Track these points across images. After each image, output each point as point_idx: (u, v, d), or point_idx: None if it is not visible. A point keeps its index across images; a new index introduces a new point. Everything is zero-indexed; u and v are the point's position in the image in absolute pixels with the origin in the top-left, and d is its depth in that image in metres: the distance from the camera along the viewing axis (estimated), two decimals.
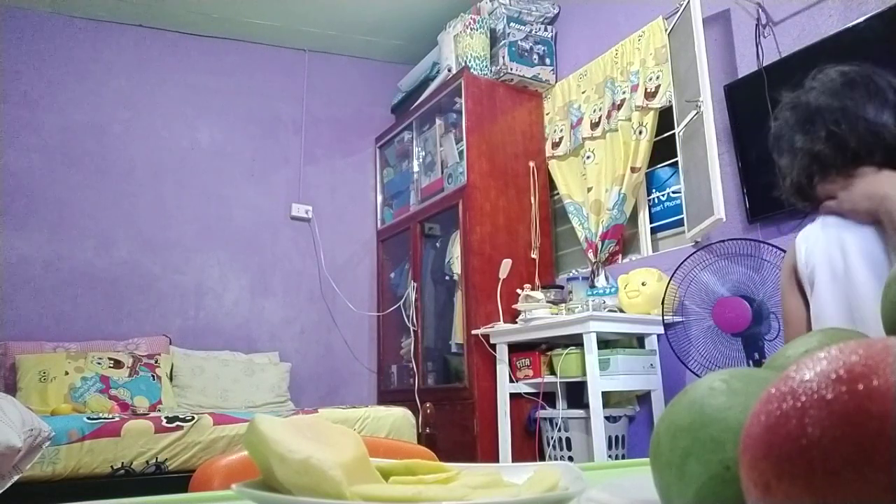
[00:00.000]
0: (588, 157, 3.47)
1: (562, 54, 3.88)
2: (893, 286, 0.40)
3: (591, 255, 3.35)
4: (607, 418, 2.82)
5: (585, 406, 2.80)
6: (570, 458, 2.92)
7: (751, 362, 2.33)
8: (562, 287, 3.39)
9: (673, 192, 3.20)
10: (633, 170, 3.18)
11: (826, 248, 1.21)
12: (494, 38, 3.82)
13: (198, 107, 4.01)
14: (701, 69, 2.57)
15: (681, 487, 0.33)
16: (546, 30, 3.87)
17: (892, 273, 0.41)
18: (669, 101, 3.01)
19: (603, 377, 2.71)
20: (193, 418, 2.38)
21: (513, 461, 3.03)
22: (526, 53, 3.75)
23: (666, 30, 3.09)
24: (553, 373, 3.01)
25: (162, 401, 3.12)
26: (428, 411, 2.67)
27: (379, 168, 4.55)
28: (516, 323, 3.11)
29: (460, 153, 3.64)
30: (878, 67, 1.23)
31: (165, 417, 2.35)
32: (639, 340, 3.04)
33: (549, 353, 3.06)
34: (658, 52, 3.13)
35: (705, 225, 2.57)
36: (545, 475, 0.41)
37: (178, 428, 2.32)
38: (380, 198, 4.50)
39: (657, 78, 3.11)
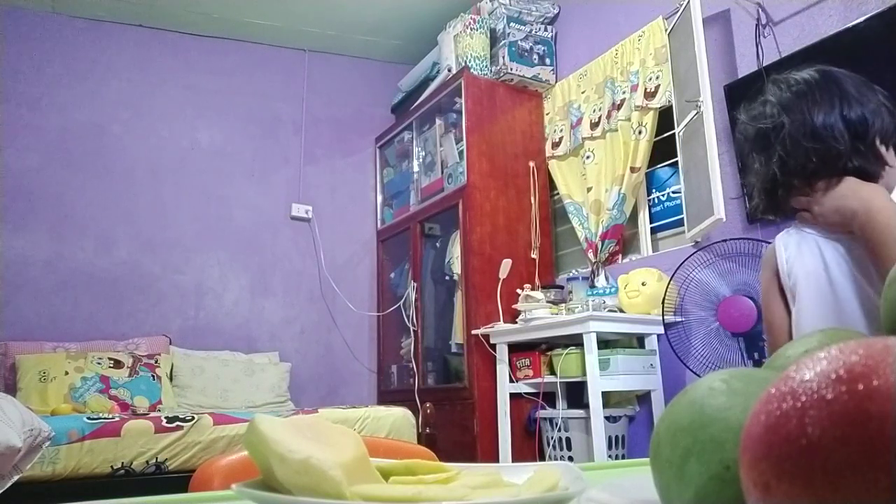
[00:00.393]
0: (588, 157, 3.47)
1: (562, 54, 3.88)
2: (894, 286, 0.40)
3: (591, 255, 3.35)
4: (607, 418, 2.82)
5: (585, 406, 2.80)
6: (570, 458, 2.92)
7: (751, 362, 2.33)
8: (562, 287, 3.39)
9: (673, 192, 3.20)
10: (632, 170, 3.18)
11: (807, 260, 1.20)
12: (494, 38, 3.82)
13: (198, 107, 4.01)
14: (701, 69, 2.57)
15: (681, 487, 0.33)
16: (546, 30, 3.87)
17: (892, 273, 0.41)
18: (669, 101, 3.01)
19: (603, 377, 2.71)
20: (193, 418, 2.38)
21: (513, 461, 3.03)
22: (526, 53, 3.75)
23: (666, 30, 3.09)
24: (553, 373, 3.01)
25: (162, 401, 3.12)
26: (428, 411, 2.67)
27: (379, 168, 4.55)
28: (516, 323, 3.11)
29: (460, 153, 3.64)
30: (868, 67, 1.21)
31: (165, 417, 2.35)
32: (639, 340, 3.04)
33: (549, 353, 3.06)
34: (658, 52, 3.12)
35: (705, 225, 2.57)
36: (545, 475, 0.41)
37: (178, 428, 2.32)
38: (380, 198, 4.50)
39: (657, 78, 3.11)
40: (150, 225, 3.74)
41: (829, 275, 1.16)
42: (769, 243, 2.37)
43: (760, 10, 2.76)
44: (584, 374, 2.74)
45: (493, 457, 3.08)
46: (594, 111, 3.48)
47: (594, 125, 3.46)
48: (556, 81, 3.83)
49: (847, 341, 0.24)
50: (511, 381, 3.16)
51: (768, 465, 0.23)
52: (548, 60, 3.82)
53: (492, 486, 0.41)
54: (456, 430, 3.23)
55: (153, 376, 3.17)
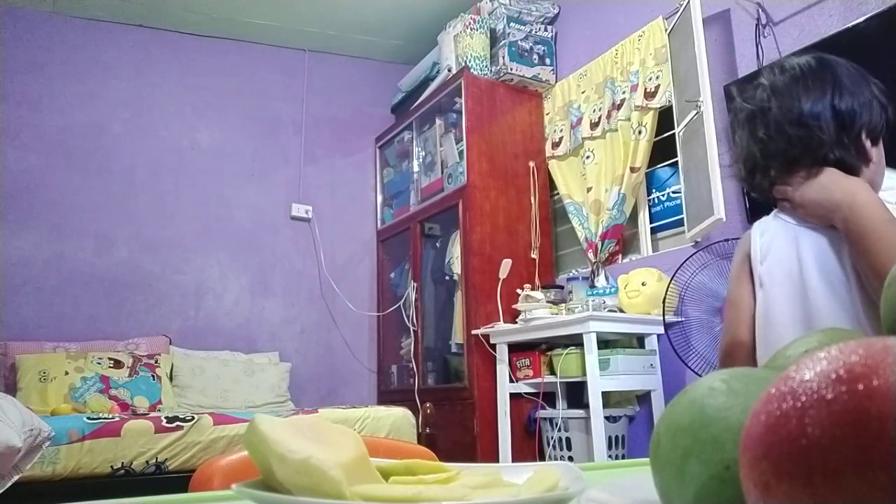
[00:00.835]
0: (588, 157, 3.47)
1: (562, 54, 3.88)
2: (894, 286, 0.40)
3: (591, 255, 3.35)
4: (607, 418, 2.82)
5: (585, 406, 2.80)
6: (570, 458, 2.92)
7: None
8: (562, 287, 3.39)
9: (673, 192, 3.20)
10: (632, 170, 3.18)
11: (782, 249, 1.18)
12: (494, 38, 3.82)
13: (198, 107, 4.01)
14: (701, 69, 2.57)
15: (681, 487, 0.33)
16: (546, 30, 3.87)
17: (893, 273, 0.41)
18: (669, 101, 3.01)
19: (603, 377, 2.71)
20: (193, 418, 2.38)
21: (513, 461, 3.03)
22: (526, 53, 3.75)
23: (666, 30, 3.09)
24: (553, 373, 3.01)
25: (162, 401, 3.12)
26: (428, 411, 2.67)
27: (379, 168, 4.55)
28: (516, 323, 3.11)
29: (460, 153, 3.64)
30: (868, 65, 1.19)
31: (165, 417, 2.35)
32: (639, 340, 3.04)
33: (549, 353, 3.06)
34: (658, 52, 3.12)
35: (705, 225, 2.57)
36: (545, 475, 0.41)
37: (178, 428, 2.32)
38: (380, 198, 4.50)
39: (657, 78, 3.11)
40: (150, 225, 3.74)
41: (802, 266, 1.14)
42: None
43: (760, 10, 2.76)
44: (584, 374, 2.74)
45: (493, 457, 3.08)
46: (594, 111, 3.48)
47: (594, 125, 3.46)
48: (556, 81, 3.83)
49: (847, 341, 0.24)
50: (511, 381, 3.16)
51: (768, 465, 0.23)
52: (548, 60, 3.82)
53: (492, 486, 0.41)
54: (456, 430, 3.23)
55: (153, 376, 3.17)
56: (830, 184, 1.09)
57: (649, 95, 3.13)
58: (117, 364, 3.11)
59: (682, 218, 2.94)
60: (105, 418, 2.30)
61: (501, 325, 3.17)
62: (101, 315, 3.50)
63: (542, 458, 3.13)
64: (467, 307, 3.37)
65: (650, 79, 3.14)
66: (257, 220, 4.07)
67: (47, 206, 3.49)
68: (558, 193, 3.69)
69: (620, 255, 3.42)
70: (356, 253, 4.37)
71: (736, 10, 2.87)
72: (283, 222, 4.16)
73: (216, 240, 3.91)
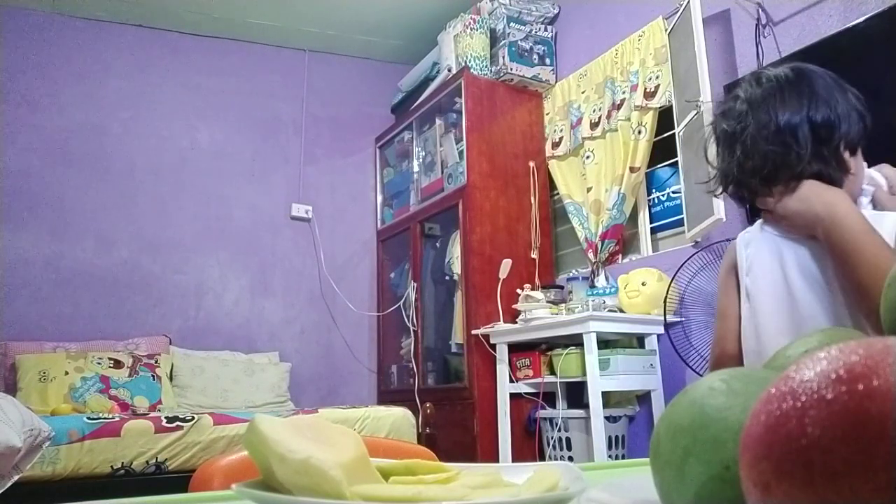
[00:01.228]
0: (588, 157, 3.47)
1: (562, 54, 3.88)
2: (894, 286, 0.40)
3: (591, 255, 3.35)
4: (607, 418, 2.82)
5: (585, 406, 2.80)
6: (570, 458, 2.92)
7: None
8: (562, 287, 3.39)
9: (673, 192, 3.20)
10: (632, 170, 3.18)
11: (766, 261, 1.18)
12: (494, 38, 3.82)
13: (198, 107, 4.01)
14: (701, 69, 2.57)
15: (681, 487, 0.33)
16: (546, 30, 3.87)
17: (893, 273, 0.41)
18: (669, 101, 3.01)
19: (603, 377, 2.71)
20: (193, 418, 2.38)
21: (513, 461, 3.03)
22: (526, 53, 3.75)
23: (666, 30, 3.09)
24: (553, 373, 3.01)
25: (162, 401, 3.12)
26: (428, 411, 2.67)
27: (379, 168, 4.55)
28: (516, 323, 3.11)
29: (460, 153, 3.64)
30: (866, 68, 1.19)
31: (165, 417, 2.35)
32: (639, 340, 3.04)
33: (549, 353, 3.06)
34: (658, 52, 3.12)
35: (705, 225, 2.57)
36: (545, 475, 0.41)
37: (178, 428, 2.32)
38: (380, 198, 4.50)
39: (657, 78, 3.11)
40: (150, 225, 3.74)
41: (787, 277, 1.14)
42: None
43: (760, 10, 2.76)
44: (584, 374, 2.74)
45: (493, 457, 3.08)
46: (594, 111, 3.48)
47: (594, 125, 3.46)
48: (556, 81, 3.83)
49: (847, 341, 0.24)
50: (511, 381, 3.16)
51: (768, 465, 0.23)
52: (548, 60, 3.82)
53: (492, 486, 0.41)
54: (456, 430, 3.23)
55: (153, 376, 3.17)
56: (811, 195, 1.09)
57: (649, 95, 3.13)
58: (117, 364, 3.11)
59: (682, 218, 2.94)
60: (105, 418, 2.30)
61: (501, 325, 3.17)
62: (101, 315, 3.50)
63: (542, 458, 3.13)
64: (467, 307, 3.37)
65: (650, 79, 3.14)
66: (257, 220, 4.07)
67: (47, 206, 3.49)
68: (558, 193, 3.69)
69: (620, 255, 3.42)
70: (356, 253, 4.37)
71: (736, 10, 2.87)
72: (283, 222, 4.16)
73: (216, 240, 3.91)
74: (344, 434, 0.42)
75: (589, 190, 3.43)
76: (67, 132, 3.61)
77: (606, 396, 2.88)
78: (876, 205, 1.21)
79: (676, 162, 2.97)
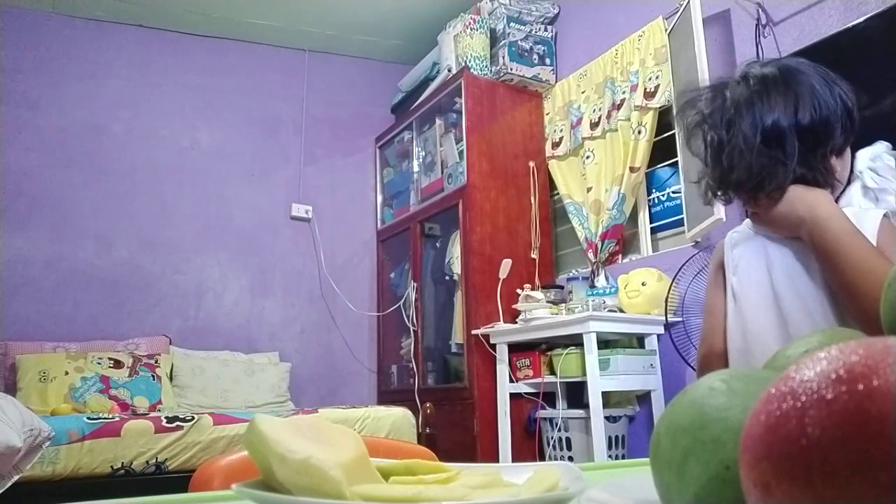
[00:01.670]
0: (588, 157, 3.47)
1: (562, 54, 3.88)
2: (894, 286, 0.40)
3: (591, 255, 3.35)
4: (607, 418, 2.82)
5: (585, 406, 2.80)
6: (570, 458, 2.92)
7: None
8: (562, 287, 3.39)
9: (673, 192, 3.20)
10: (632, 170, 3.18)
11: (752, 262, 1.19)
12: (494, 38, 3.82)
13: (198, 107, 4.01)
14: (701, 69, 2.57)
15: (681, 487, 0.33)
16: (546, 30, 3.87)
17: (892, 273, 0.41)
18: (669, 101, 3.01)
19: (603, 377, 2.71)
20: (193, 418, 2.38)
21: (513, 461, 3.03)
22: (526, 53, 3.75)
23: (666, 30, 3.09)
24: (553, 373, 3.01)
25: (162, 401, 3.12)
26: (428, 411, 2.67)
27: (379, 168, 4.55)
28: (516, 323, 3.11)
29: (460, 153, 3.64)
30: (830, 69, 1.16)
31: (165, 417, 2.35)
32: (639, 340, 3.04)
33: (549, 353, 3.06)
34: (658, 52, 3.12)
35: (705, 225, 2.57)
36: (545, 475, 0.41)
37: (178, 428, 2.32)
38: (380, 198, 4.50)
39: (657, 78, 3.11)
40: (150, 225, 3.74)
41: (773, 278, 1.15)
42: None
43: (760, 10, 2.76)
44: (584, 374, 2.74)
45: (493, 457, 3.08)
46: (594, 111, 3.48)
47: (594, 125, 3.46)
48: (556, 81, 3.83)
49: (847, 341, 0.24)
50: (511, 381, 3.16)
51: (768, 465, 0.23)
52: (548, 60, 3.82)
53: (492, 486, 0.41)
54: (456, 430, 3.23)
55: (153, 376, 3.17)
56: (795, 198, 1.09)
57: (649, 95, 3.13)
58: (117, 364, 3.11)
59: (682, 218, 2.94)
60: (105, 418, 2.30)
61: (501, 325, 3.17)
62: (101, 315, 3.50)
63: (542, 458, 3.13)
64: (467, 307, 3.37)
65: (650, 79, 3.14)
66: (257, 220, 4.07)
67: (47, 206, 3.49)
68: (558, 193, 3.69)
69: (620, 255, 3.42)
70: (356, 253, 4.37)
71: (736, 10, 2.87)
72: (283, 222, 4.16)
73: (216, 240, 3.91)
74: (344, 434, 0.42)
75: (589, 190, 3.43)
76: (67, 132, 3.61)
77: (606, 396, 2.88)
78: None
79: (676, 162, 2.97)
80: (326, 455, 0.37)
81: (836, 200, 1.15)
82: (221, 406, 3.21)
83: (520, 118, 3.77)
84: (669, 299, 2.72)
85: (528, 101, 3.84)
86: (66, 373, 2.96)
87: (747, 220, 1.25)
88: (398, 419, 2.70)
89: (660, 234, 3.31)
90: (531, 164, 3.71)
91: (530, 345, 3.13)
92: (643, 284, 2.88)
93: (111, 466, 2.20)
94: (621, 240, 3.37)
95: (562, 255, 3.82)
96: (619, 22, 3.45)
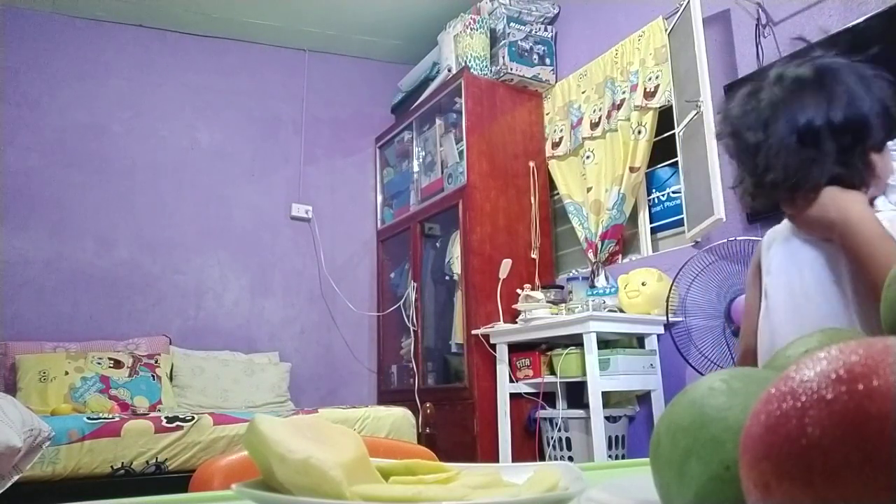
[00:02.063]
0: (588, 157, 3.47)
1: (562, 54, 3.88)
2: (894, 286, 0.40)
3: (591, 255, 3.35)
4: (607, 418, 2.82)
5: (585, 406, 2.80)
6: (570, 458, 2.92)
7: None
8: (562, 287, 3.39)
9: (673, 192, 3.20)
10: (632, 170, 3.18)
11: (783, 262, 1.19)
12: (494, 38, 3.82)
13: (198, 107, 4.01)
14: (701, 69, 2.57)
15: (681, 487, 0.33)
16: (546, 30, 3.87)
17: (892, 274, 0.41)
18: (669, 101, 3.02)
19: (603, 377, 2.71)
20: (193, 418, 2.38)
21: (513, 461, 3.03)
22: (526, 53, 3.75)
23: (666, 30, 3.09)
24: (553, 373, 3.01)
25: (162, 401, 3.12)
26: (428, 411, 2.67)
27: (379, 168, 4.55)
28: (516, 323, 3.11)
29: (460, 153, 3.64)
30: (869, 65, 1.17)
31: (165, 417, 2.35)
32: (639, 340, 3.04)
33: (549, 353, 3.06)
34: (658, 52, 3.13)
35: (705, 225, 2.57)
36: (545, 475, 0.41)
37: (178, 428, 2.32)
38: (380, 198, 4.50)
39: (657, 78, 3.11)
40: (150, 225, 3.74)
41: (802, 280, 1.15)
42: None
43: (760, 10, 2.76)
44: (584, 374, 2.74)
45: (493, 457, 3.08)
46: (594, 111, 3.48)
47: (594, 125, 3.46)
48: (556, 81, 3.83)
49: (847, 341, 0.24)
50: (511, 381, 3.16)
51: (768, 465, 0.23)
52: (548, 60, 3.82)
53: (492, 486, 0.41)
54: (456, 430, 3.23)
55: (153, 376, 3.17)
56: (828, 201, 1.10)
57: (649, 95, 3.13)
58: (117, 364, 3.11)
59: (682, 218, 2.94)
60: (105, 418, 2.30)
61: (501, 325, 3.17)
62: (101, 315, 3.50)
63: (542, 458, 3.13)
64: (467, 307, 3.37)
65: (650, 79, 3.14)
66: (257, 220, 4.07)
67: (47, 206, 3.49)
68: (558, 193, 3.69)
69: (620, 255, 3.42)
70: (356, 253, 4.37)
71: (736, 10, 2.87)
72: (283, 222, 4.16)
73: (216, 240, 3.91)
74: (344, 434, 0.42)
75: (589, 190, 3.43)
76: (67, 132, 3.61)
77: (606, 396, 2.88)
78: None
79: (676, 162, 2.97)
80: (326, 455, 0.37)
81: (874, 200, 1.15)
82: (221, 406, 3.21)
83: (520, 118, 3.77)
84: (670, 299, 2.72)
85: (528, 101, 3.84)
86: (66, 373, 2.96)
87: (785, 220, 1.25)
88: (398, 419, 2.70)
89: (660, 234, 3.31)
90: (531, 164, 3.71)
91: (530, 345, 3.13)
92: (643, 284, 2.88)
93: (111, 466, 2.20)
94: (621, 240, 3.37)
95: (562, 255, 3.82)
96: (619, 22, 3.45)
